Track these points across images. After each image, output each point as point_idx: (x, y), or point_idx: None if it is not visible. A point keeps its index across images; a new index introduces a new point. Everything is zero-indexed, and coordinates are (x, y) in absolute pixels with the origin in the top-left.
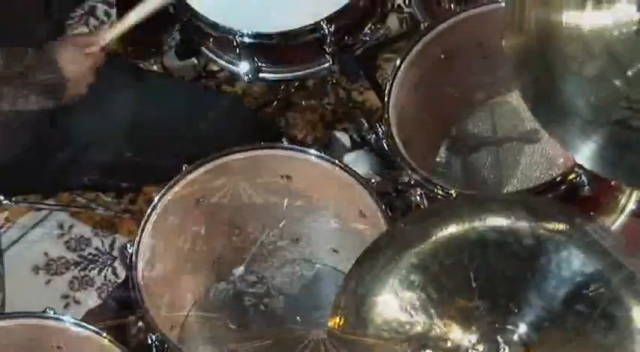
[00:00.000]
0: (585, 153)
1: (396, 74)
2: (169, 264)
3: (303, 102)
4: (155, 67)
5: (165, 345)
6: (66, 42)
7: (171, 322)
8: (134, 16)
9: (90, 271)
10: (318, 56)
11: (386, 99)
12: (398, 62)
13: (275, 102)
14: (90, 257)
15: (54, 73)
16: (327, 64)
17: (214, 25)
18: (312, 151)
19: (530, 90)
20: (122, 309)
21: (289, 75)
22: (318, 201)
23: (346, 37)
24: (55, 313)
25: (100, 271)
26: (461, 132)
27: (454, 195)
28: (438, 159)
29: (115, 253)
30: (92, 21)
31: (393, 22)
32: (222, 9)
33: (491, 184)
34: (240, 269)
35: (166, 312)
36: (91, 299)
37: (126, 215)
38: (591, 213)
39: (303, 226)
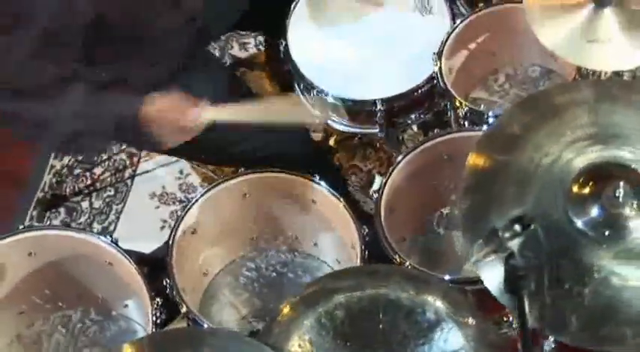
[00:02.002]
0: (485, 273)
1: (402, 159)
2: (210, 232)
3: (378, 144)
4: None
5: (174, 291)
6: (160, 110)
7: (205, 269)
8: (242, 114)
9: None
10: (372, 122)
11: (386, 178)
12: (405, 153)
13: (357, 138)
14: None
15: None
16: (376, 130)
17: (302, 76)
18: (324, 185)
19: (468, 210)
20: None
21: (346, 128)
22: (332, 223)
23: (397, 116)
24: (110, 239)
25: None
26: (447, 212)
27: (407, 265)
28: (420, 228)
29: None
30: None
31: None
32: (312, 65)
33: (457, 258)
34: (282, 248)
35: (201, 262)
36: None
37: None
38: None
39: (319, 236)
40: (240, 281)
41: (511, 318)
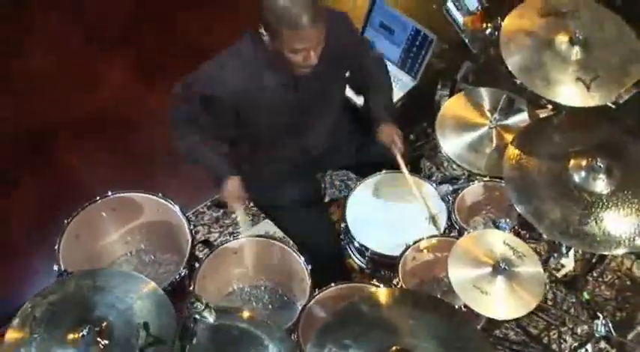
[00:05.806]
0: None
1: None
2: (245, 259)
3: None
4: None
5: (194, 274)
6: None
7: (237, 277)
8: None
9: None
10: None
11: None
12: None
13: None
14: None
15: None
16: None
17: (344, 219)
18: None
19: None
20: None
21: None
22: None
23: (380, 267)
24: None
25: None
26: None
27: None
28: None
29: None
30: None
31: None
32: (354, 213)
33: None
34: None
35: (236, 272)
36: None
37: None
38: None
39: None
40: (252, 298)
41: None
